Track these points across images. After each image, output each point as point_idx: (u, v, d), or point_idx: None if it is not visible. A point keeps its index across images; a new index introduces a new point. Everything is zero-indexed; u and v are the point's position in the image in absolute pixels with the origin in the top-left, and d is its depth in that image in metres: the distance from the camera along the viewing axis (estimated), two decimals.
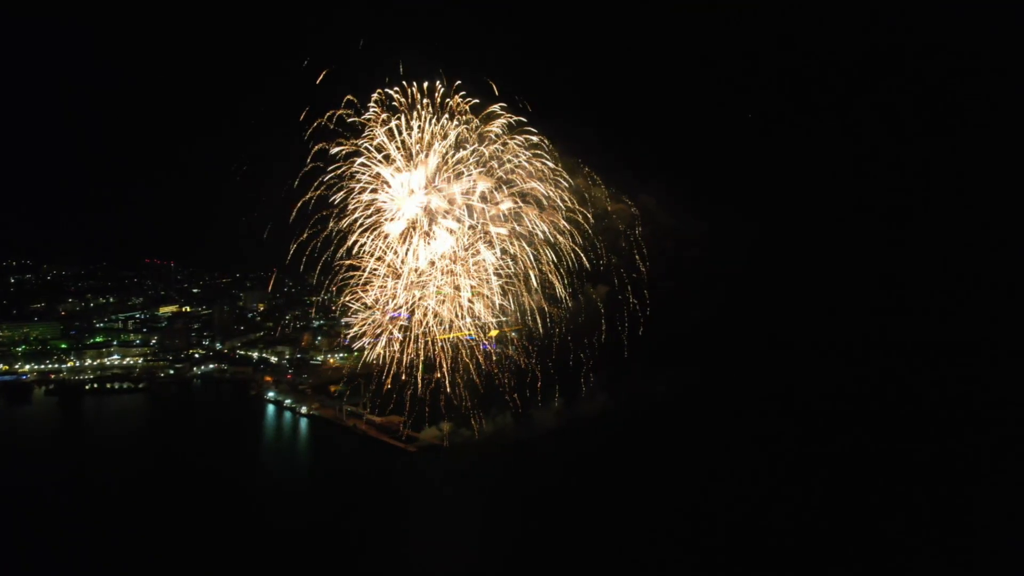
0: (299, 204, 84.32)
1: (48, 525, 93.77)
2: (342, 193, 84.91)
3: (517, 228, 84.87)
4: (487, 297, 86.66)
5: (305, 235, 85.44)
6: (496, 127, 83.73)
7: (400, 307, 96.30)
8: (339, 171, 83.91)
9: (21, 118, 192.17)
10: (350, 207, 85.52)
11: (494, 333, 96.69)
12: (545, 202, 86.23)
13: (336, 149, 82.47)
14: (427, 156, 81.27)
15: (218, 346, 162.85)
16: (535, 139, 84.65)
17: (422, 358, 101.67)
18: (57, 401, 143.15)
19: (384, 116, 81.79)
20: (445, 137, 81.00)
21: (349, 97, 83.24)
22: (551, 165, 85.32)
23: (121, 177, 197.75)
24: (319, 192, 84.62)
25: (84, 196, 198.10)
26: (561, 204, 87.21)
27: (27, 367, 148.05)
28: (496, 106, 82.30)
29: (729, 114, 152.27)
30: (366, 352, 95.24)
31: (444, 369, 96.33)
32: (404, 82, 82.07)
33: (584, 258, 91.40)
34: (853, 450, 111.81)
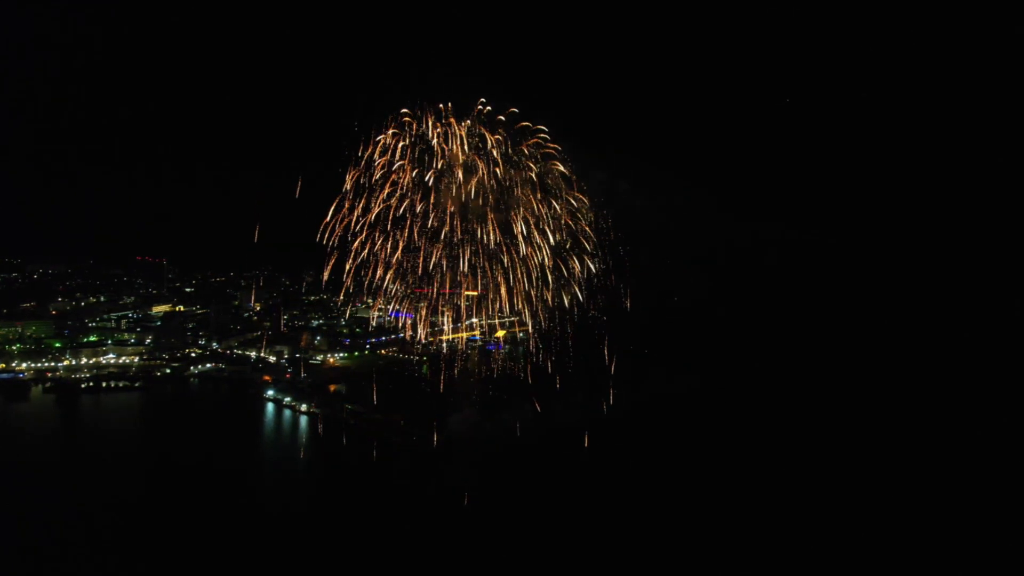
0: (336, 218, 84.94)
1: (48, 522, 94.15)
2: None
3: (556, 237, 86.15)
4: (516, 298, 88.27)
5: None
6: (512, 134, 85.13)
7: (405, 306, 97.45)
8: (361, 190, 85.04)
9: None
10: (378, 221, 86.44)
11: (501, 333, 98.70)
12: (572, 204, 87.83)
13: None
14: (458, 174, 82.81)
15: (215, 345, 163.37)
16: (552, 145, 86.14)
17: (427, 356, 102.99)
18: (55, 399, 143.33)
19: (404, 137, 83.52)
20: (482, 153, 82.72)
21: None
22: (565, 167, 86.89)
23: (107, 173, 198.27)
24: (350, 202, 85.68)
25: (66, 193, 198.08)
26: (585, 202, 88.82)
27: (24, 365, 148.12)
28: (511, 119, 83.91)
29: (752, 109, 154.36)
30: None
31: (460, 365, 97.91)
32: (419, 101, 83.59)
33: (608, 258, 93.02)
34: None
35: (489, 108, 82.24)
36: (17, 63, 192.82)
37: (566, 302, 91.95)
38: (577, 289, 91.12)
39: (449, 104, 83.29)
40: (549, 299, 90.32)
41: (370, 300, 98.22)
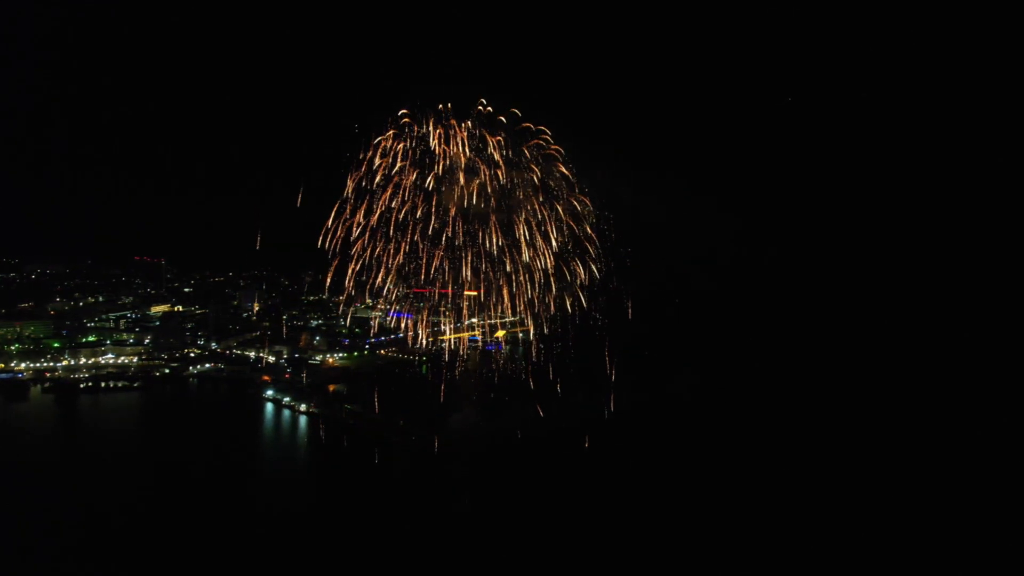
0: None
1: (48, 522, 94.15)
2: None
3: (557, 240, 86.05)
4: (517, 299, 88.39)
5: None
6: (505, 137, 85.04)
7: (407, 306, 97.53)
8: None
9: None
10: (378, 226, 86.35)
11: (501, 333, 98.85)
12: (576, 207, 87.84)
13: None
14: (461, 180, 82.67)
15: (213, 345, 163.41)
16: (554, 147, 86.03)
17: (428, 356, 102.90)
18: (54, 399, 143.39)
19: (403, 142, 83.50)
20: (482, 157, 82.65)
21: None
22: (567, 169, 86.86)
23: (105, 173, 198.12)
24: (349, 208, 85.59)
25: (65, 193, 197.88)
26: (587, 204, 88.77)
27: (22, 365, 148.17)
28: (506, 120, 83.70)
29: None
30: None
31: (461, 366, 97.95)
32: (419, 102, 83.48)
33: (610, 260, 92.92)
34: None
35: (490, 109, 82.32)
36: (16, 62, 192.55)
37: (568, 306, 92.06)
38: (580, 292, 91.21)
39: (449, 105, 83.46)
40: (551, 303, 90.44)
41: (370, 301, 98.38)
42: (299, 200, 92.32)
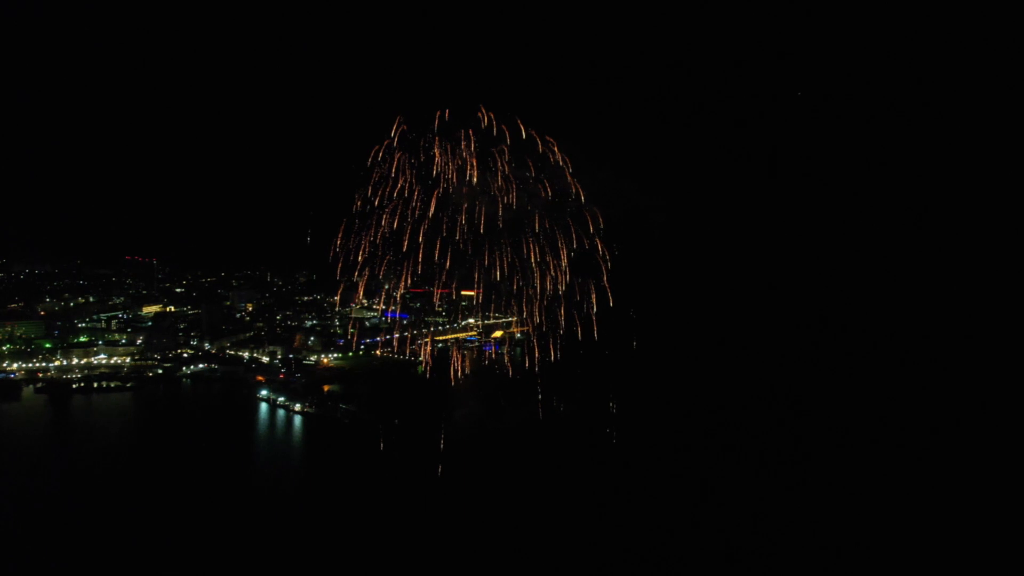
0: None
1: (41, 521, 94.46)
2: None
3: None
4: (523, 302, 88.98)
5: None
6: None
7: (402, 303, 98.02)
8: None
9: None
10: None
11: (499, 333, 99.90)
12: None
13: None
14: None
15: (207, 346, 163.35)
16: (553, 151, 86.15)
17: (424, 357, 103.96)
18: (46, 399, 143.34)
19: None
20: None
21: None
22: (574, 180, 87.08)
23: (96, 171, 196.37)
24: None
25: (53, 191, 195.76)
26: (598, 215, 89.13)
27: (15, 365, 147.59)
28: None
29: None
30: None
31: (457, 366, 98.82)
32: (420, 109, 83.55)
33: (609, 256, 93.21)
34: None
35: (491, 115, 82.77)
36: (6, 59, 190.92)
37: (578, 327, 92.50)
38: (591, 315, 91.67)
39: (447, 112, 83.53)
40: (560, 321, 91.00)
41: (365, 302, 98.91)
42: (308, 237, 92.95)
